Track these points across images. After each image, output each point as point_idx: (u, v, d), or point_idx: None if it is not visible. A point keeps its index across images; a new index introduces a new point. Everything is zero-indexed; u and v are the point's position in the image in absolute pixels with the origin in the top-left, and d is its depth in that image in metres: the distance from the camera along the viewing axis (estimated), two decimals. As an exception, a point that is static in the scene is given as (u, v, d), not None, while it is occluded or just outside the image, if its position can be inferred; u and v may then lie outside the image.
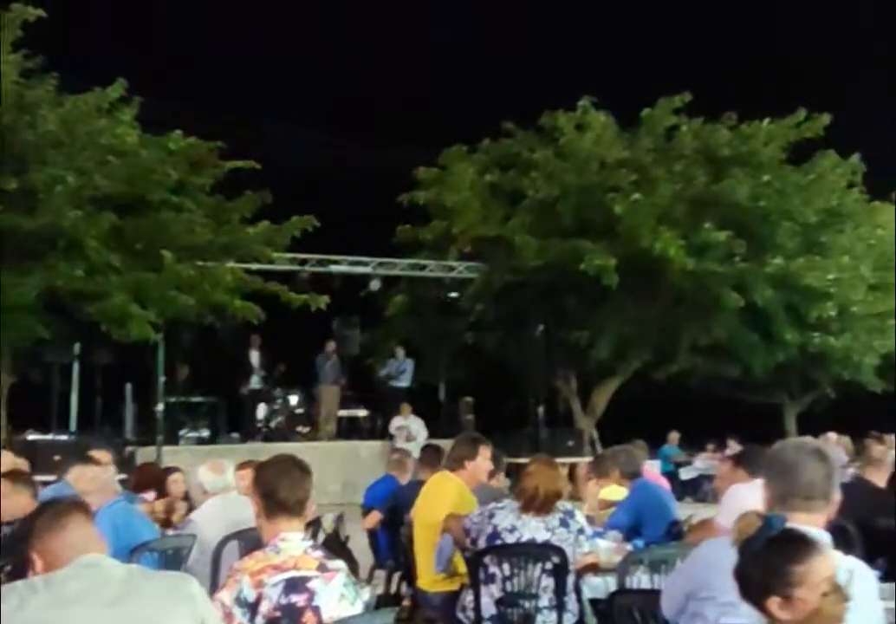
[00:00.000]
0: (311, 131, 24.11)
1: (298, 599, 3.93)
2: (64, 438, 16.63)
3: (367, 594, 4.77)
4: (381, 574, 9.13)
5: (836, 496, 3.77)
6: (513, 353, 21.66)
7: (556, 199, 20.10)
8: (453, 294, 21.50)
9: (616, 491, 8.23)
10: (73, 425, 18.58)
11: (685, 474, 21.12)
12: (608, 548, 6.95)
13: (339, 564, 4.14)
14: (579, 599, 6.24)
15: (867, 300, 20.67)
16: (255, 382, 20.04)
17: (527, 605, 6.09)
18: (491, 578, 6.14)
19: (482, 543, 6.25)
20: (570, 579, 6.16)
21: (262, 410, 20.01)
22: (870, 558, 5.06)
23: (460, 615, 6.34)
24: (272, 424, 19.94)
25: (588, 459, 14.64)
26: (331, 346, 20.80)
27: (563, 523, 6.24)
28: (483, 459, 7.08)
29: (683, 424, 23.04)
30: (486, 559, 6.17)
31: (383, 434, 20.13)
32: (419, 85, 25.94)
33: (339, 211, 19.89)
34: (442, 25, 26.41)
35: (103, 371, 18.93)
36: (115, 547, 5.76)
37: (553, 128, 20.79)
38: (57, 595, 3.33)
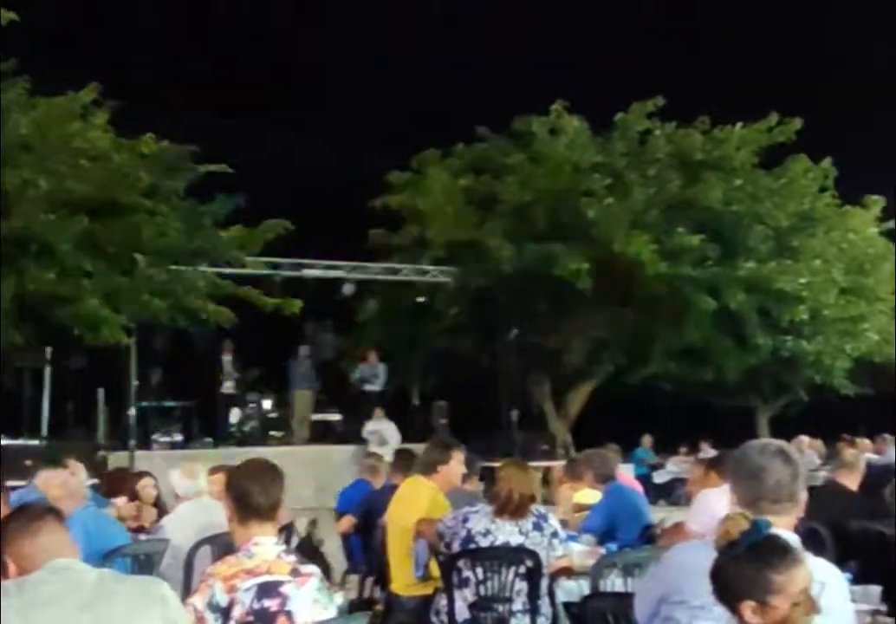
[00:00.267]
0: (283, 135, 24.08)
1: (271, 604, 3.91)
2: (35, 442, 16.52)
3: (340, 599, 4.76)
4: (354, 578, 9.12)
5: (803, 495, 3.79)
6: (486, 356, 21.66)
7: (529, 204, 20.15)
8: (426, 298, 21.47)
9: (589, 494, 8.25)
10: (44, 430, 18.43)
11: (658, 478, 21.15)
12: (582, 551, 6.96)
13: (312, 568, 4.13)
14: (553, 603, 6.25)
15: (839, 304, 20.82)
16: (228, 387, 19.96)
17: (500, 609, 6.09)
18: (465, 582, 6.14)
19: (456, 547, 6.25)
20: (544, 583, 6.17)
21: (235, 415, 19.94)
22: (842, 561, 5.09)
23: (434, 619, 6.34)
24: (245, 429, 19.87)
25: (562, 462, 14.64)
26: (304, 350, 20.75)
27: (537, 527, 6.25)
28: (456, 464, 7.08)
29: (657, 427, 23.12)
30: (460, 563, 6.17)
31: (357, 438, 20.07)
32: (393, 89, 25.94)
33: (313, 215, 19.83)
34: (416, 31, 26.40)
35: (75, 375, 18.80)
36: (88, 552, 5.72)
37: (526, 132, 20.82)
38: (30, 598, 3.34)
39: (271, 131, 24.05)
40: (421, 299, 21.48)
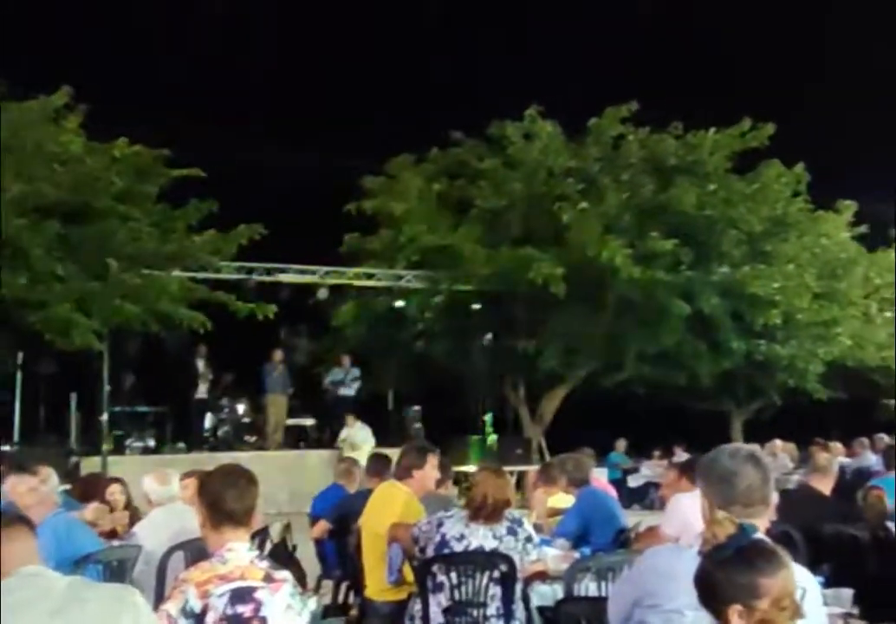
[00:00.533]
0: (257, 140, 24.01)
1: (245, 610, 3.89)
2: (6, 448, 16.44)
3: (314, 604, 4.73)
4: (328, 584, 9.10)
5: (774, 498, 3.81)
6: (461, 361, 21.64)
7: (503, 209, 20.19)
8: (401, 303, 21.45)
9: (564, 499, 8.26)
10: (16, 435, 18.35)
11: (633, 482, 21.23)
12: (556, 556, 6.97)
13: (286, 574, 4.11)
14: (527, 607, 6.24)
15: (812, 308, 20.93)
16: (201, 392, 19.90)
17: (475, 613, 6.07)
18: (439, 587, 6.12)
19: (430, 552, 6.23)
20: (518, 587, 6.16)
21: (208, 420, 19.91)
22: (814, 565, 5.11)
23: (408, 624, 6.33)
24: (219, 434, 19.85)
25: (536, 467, 14.67)
26: (278, 355, 20.70)
27: (511, 532, 6.24)
28: (431, 468, 7.06)
29: (631, 431, 23.18)
30: (434, 568, 6.16)
31: (331, 443, 20.07)
32: (367, 94, 25.92)
33: (287, 220, 19.79)
34: (390, 36, 26.40)
35: (47, 380, 18.71)
36: (58, 558, 5.70)
37: (501, 137, 20.82)
38: (0, 604, 3.31)
39: (244, 136, 23.99)
40: (400, 304, 21.46)
